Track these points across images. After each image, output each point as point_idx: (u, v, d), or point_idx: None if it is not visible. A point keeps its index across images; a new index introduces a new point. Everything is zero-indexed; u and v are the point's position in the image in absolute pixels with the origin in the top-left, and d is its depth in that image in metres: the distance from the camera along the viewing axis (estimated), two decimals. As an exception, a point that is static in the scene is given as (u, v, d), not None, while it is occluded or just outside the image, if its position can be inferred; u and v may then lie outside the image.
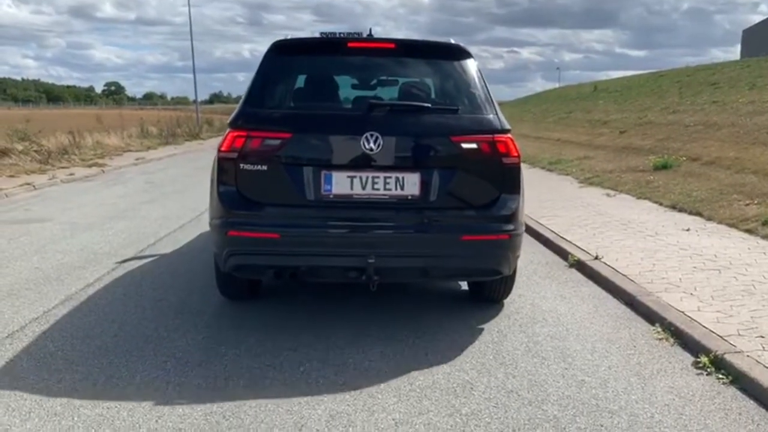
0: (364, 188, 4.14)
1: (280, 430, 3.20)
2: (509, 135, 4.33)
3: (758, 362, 3.82)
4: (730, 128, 14.34)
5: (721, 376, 3.81)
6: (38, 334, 4.42)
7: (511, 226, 4.29)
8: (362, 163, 4.12)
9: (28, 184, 12.61)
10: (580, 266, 6.35)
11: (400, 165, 4.17)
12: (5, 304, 5.07)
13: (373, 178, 4.14)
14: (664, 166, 12.25)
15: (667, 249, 6.71)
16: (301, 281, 4.39)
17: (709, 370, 3.90)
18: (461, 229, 4.24)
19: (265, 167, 4.11)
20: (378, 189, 4.15)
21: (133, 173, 15.83)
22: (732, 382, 3.74)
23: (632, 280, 5.58)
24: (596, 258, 6.34)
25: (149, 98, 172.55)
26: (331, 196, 4.13)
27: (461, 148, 4.22)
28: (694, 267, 5.98)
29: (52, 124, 23.77)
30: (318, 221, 4.15)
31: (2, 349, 4.14)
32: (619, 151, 16.18)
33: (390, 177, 4.15)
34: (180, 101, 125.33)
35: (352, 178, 4.13)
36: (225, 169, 4.16)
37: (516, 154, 4.32)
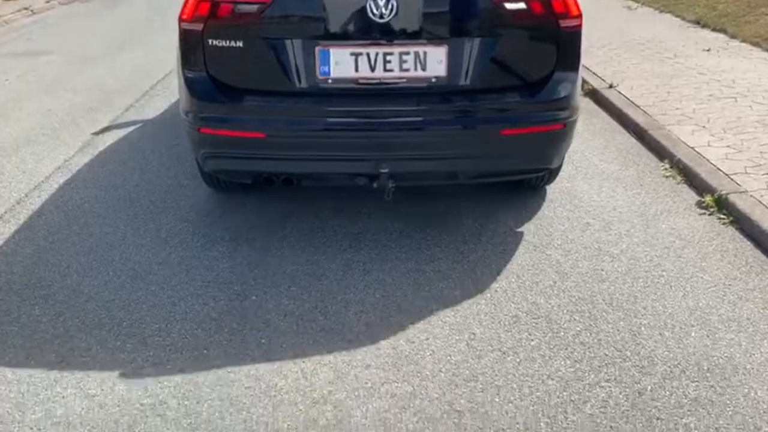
0: (373, 70, 3.22)
1: (302, 278, 3.44)
2: None
3: (760, 202, 3.93)
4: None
5: (722, 216, 3.95)
6: (62, 184, 4.58)
7: (566, 113, 3.42)
8: (370, 34, 3.20)
9: (26, 8, 12.17)
10: (595, 95, 6.26)
11: (421, 36, 3.23)
12: (26, 152, 5.19)
13: (384, 54, 3.22)
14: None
15: (685, 74, 6.56)
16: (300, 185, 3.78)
17: (711, 210, 4.03)
18: (501, 121, 3.41)
19: (241, 43, 3.24)
20: (392, 70, 3.24)
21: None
22: (732, 223, 3.88)
23: (645, 111, 5.55)
24: (611, 86, 6.24)
25: None
26: (330, 81, 3.25)
27: (503, 8, 3.22)
28: (710, 95, 5.88)
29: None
30: (314, 115, 3.37)
31: (31, 202, 4.33)
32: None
33: (407, 53, 3.23)
34: None
35: (356, 56, 3.21)
36: (190, 46, 3.29)
37: (577, 13, 3.28)
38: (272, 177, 3.61)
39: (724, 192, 4.07)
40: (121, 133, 5.57)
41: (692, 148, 4.75)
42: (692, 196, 4.25)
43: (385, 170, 3.35)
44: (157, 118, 5.95)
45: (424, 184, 4.07)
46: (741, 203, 3.94)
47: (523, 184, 4.18)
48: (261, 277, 3.47)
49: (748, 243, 3.70)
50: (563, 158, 3.82)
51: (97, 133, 5.55)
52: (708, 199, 4.10)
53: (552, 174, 4.07)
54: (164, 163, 4.89)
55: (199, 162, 3.73)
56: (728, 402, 2.62)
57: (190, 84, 3.38)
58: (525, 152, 3.55)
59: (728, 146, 4.75)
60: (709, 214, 4.00)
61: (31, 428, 2.56)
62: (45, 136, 5.56)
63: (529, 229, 3.89)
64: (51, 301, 3.31)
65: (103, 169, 4.82)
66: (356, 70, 3.23)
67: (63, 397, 2.71)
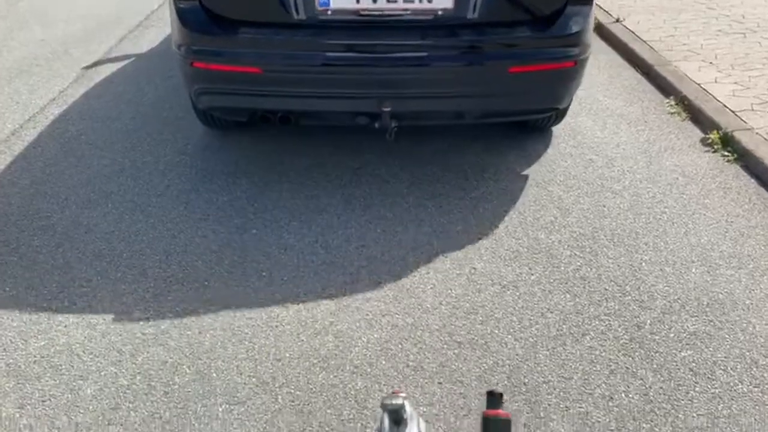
0: (375, 0, 3.06)
1: (302, 212, 3.42)
2: None
3: (766, 140, 3.89)
4: None
5: (726, 153, 3.91)
6: (57, 116, 4.50)
7: (577, 50, 3.26)
8: None
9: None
10: (600, 30, 6.11)
11: None
12: (20, 83, 5.08)
13: None
14: None
15: (693, 8, 6.39)
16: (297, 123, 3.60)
17: (716, 147, 3.98)
18: (510, 57, 3.24)
19: None
20: (395, 1, 3.07)
21: None
22: (736, 160, 3.85)
23: (651, 47, 5.43)
24: (617, 21, 6.08)
25: None
26: (330, 13, 3.08)
27: None
28: (719, 30, 5.75)
29: None
30: (312, 49, 3.17)
31: (27, 133, 4.26)
32: None
33: None
34: None
35: None
36: None
37: None
38: (268, 115, 3.47)
39: (729, 129, 4.02)
40: (115, 64, 5.43)
41: (699, 84, 4.66)
42: (697, 133, 4.19)
43: (387, 109, 3.20)
44: (152, 50, 5.80)
45: (429, 124, 3.93)
46: (746, 140, 3.89)
47: (528, 124, 4.04)
48: (261, 210, 3.45)
49: (752, 180, 3.67)
50: (572, 98, 3.66)
51: (91, 65, 5.42)
52: (713, 136, 4.05)
53: (559, 114, 3.91)
54: (160, 95, 4.79)
55: (193, 98, 3.58)
56: (726, 336, 2.65)
57: (182, 15, 3.21)
58: (534, 91, 3.40)
59: (735, 83, 4.66)
60: (714, 152, 3.96)
61: (35, 356, 2.58)
62: (38, 66, 5.43)
63: (531, 165, 3.85)
64: (50, 233, 3.29)
65: (99, 100, 4.72)
66: (357, 0, 3.06)
67: (65, 326, 2.72)
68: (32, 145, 4.11)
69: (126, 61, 5.48)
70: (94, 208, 3.48)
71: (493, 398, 0.89)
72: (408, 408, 1.08)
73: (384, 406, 1.06)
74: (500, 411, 0.87)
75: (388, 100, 3.20)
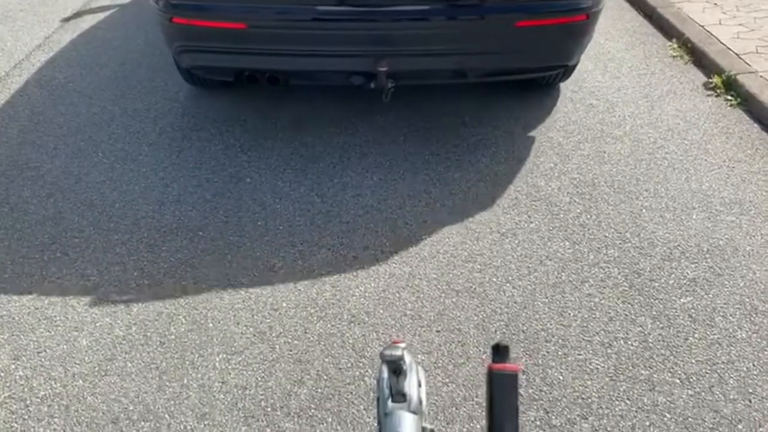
0: None
1: (297, 161, 3.35)
2: None
3: (770, 83, 3.80)
4: None
5: (729, 97, 3.83)
6: (44, 63, 4.37)
7: (590, 1, 3.01)
8: None
9: None
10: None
11: None
12: (4, 29, 4.92)
13: None
14: None
15: (699, -52, 6.17)
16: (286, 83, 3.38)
17: (718, 91, 3.90)
18: (516, 11, 2.98)
19: None
20: None
21: None
22: (739, 105, 3.77)
23: (655, -12, 5.25)
24: (620, -39, 5.88)
25: None
26: None
27: None
28: (724, -30, 5.56)
29: None
30: (301, 3, 2.94)
31: (12, 81, 4.14)
32: None
33: None
34: None
35: None
36: None
37: None
38: (256, 75, 3.24)
39: (733, 72, 3.92)
40: (102, 11, 5.26)
41: (702, 26, 4.54)
42: (699, 77, 4.10)
43: (384, 68, 2.98)
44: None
45: (428, 83, 3.69)
46: (750, 84, 3.81)
47: (534, 82, 3.79)
48: (255, 159, 3.38)
49: (755, 125, 3.60)
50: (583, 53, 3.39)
51: (76, 12, 5.24)
52: (716, 79, 3.96)
53: (568, 71, 3.63)
54: (150, 42, 4.65)
55: (174, 56, 3.37)
56: (726, 282, 2.63)
57: None
58: (542, 47, 3.15)
59: (740, 24, 4.54)
60: (716, 96, 3.88)
61: (29, 308, 2.55)
62: (23, 11, 5.26)
63: (530, 111, 3.76)
64: (40, 183, 3.23)
65: (86, 47, 4.58)
66: None
67: (58, 277, 2.69)
68: (18, 92, 4.00)
69: (113, 9, 5.30)
70: (85, 157, 3.41)
71: (499, 351, 0.85)
72: (407, 358, 1.06)
73: (383, 357, 1.03)
74: (507, 364, 0.83)
75: (385, 58, 2.98)
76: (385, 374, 1.06)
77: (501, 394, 0.83)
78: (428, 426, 1.04)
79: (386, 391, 1.05)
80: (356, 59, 3.08)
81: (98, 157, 3.40)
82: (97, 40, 4.68)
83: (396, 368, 1.05)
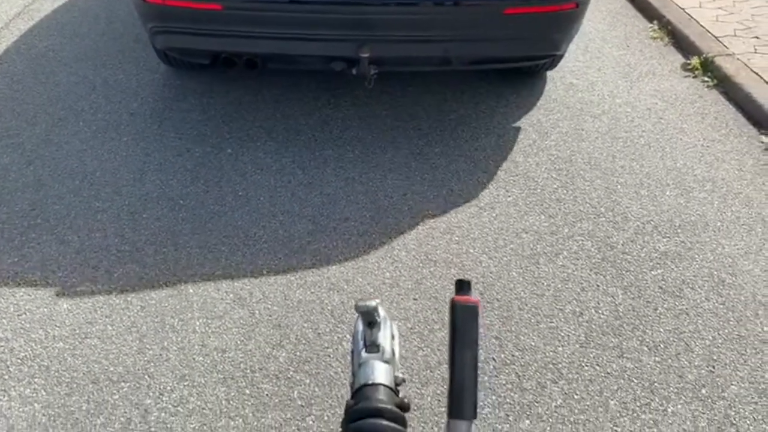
0: None
1: (279, 133, 3.37)
2: None
3: (746, 65, 3.87)
4: None
5: (706, 79, 3.89)
6: (25, 31, 4.32)
7: None
8: None
9: None
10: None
11: None
12: (-18, -3, 4.85)
13: None
14: None
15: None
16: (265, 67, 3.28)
17: (696, 73, 3.96)
18: None
19: None
20: None
21: None
22: (716, 86, 3.83)
23: (638, -30, 5.29)
24: (604, -57, 5.91)
25: None
26: None
27: None
28: (706, -46, 5.61)
29: None
30: None
31: (-8, 49, 4.10)
32: None
33: None
34: None
35: None
36: None
37: None
38: (233, 58, 3.15)
39: (710, 54, 3.99)
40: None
41: (682, 9, 4.59)
42: (678, 59, 4.16)
43: (366, 55, 2.90)
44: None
45: (413, 70, 3.61)
46: (727, 66, 3.88)
47: (521, 71, 3.73)
48: (236, 130, 3.39)
49: (731, 106, 3.67)
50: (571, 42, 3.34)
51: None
52: (694, 61, 4.02)
53: (555, 60, 3.59)
54: (131, 12, 4.54)
55: (149, 37, 3.26)
56: (696, 256, 2.70)
57: None
58: (530, 35, 3.08)
59: (720, 8, 4.60)
60: (694, 77, 3.94)
61: (9, 272, 2.56)
62: (1, -20, 5.18)
63: (512, 89, 3.80)
64: (19, 150, 3.22)
65: (67, 16, 4.54)
66: None
67: (38, 243, 2.70)
68: (-3, 60, 3.97)
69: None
70: (65, 126, 3.40)
71: (462, 286, 0.90)
72: (381, 311, 1.09)
73: (358, 308, 1.07)
74: (469, 297, 0.87)
75: (368, 43, 2.90)
76: (360, 327, 1.10)
77: (463, 325, 0.87)
78: (400, 375, 1.08)
79: (360, 343, 1.09)
80: (337, 44, 2.98)
81: (79, 126, 3.39)
82: (78, 9, 4.63)
83: (370, 320, 1.09)
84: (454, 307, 0.86)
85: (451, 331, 0.87)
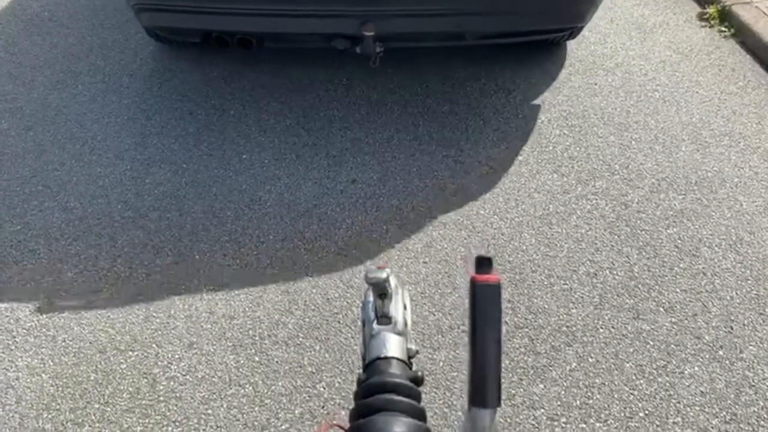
0: None
1: (282, 93, 3.28)
2: None
3: (765, 14, 3.72)
4: None
5: (723, 29, 3.75)
6: (18, -8, 4.20)
7: None
8: None
9: None
10: None
11: None
12: (-26, -44, 4.71)
13: None
14: None
15: None
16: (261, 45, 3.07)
17: (712, 22, 3.82)
18: None
19: None
20: None
21: None
22: (733, 36, 3.70)
23: None
24: None
25: None
26: None
27: None
28: None
29: None
30: None
31: (-14, 10, 3.99)
32: None
33: None
34: None
35: None
36: None
37: None
38: (225, 37, 2.91)
39: (727, 2, 3.83)
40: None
41: (699, -45, 4.41)
42: (694, 8, 4.01)
43: (371, 33, 2.66)
44: None
45: (422, 45, 3.29)
46: (745, 14, 3.73)
47: (537, 42, 3.38)
48: (239, 91, 3.30)
49: (748, 57, 3.55)
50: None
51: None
52: (711, 10, 3.87)
53: (575, 31, 3.26)
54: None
55: (134, 14, 2.98)
56: (713, 213, 2.63)
57: None
58: (552, 7, 2.79)
59: (737, -46, 4.41)
60: (710, 27, 3.80)
61: (11, 241, 2.52)
62: (-7, -62, 5.02)
63: (522, 44, 3.66)
64: (18, 115, 3.15)
65: (61, -25, 4.40)
66: None
67: (40, 210, 2.65)
68: (-8, 23, 3.87)
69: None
70: (64, 89, 3.32)
71: (482, 263, 0.84)
72: (392, 281, 1.05)
73: (368, 280, 1.02)
74: (490, 275, 0.82)
75: (372, 20, 2.63)
76: (371, 298, 1.06)
77: (484, 304, 0.82)
78: (413, 347, 1.04)
79: (371, 314, 1.04)
80: (339, 20, 2.68)
81: (78, 89, 3.31)
82: (73, -32, 4.48)
83: (381, 291, 1.04)
84: (474, 286, 0.81)
85: (471, 313, 0.82)
